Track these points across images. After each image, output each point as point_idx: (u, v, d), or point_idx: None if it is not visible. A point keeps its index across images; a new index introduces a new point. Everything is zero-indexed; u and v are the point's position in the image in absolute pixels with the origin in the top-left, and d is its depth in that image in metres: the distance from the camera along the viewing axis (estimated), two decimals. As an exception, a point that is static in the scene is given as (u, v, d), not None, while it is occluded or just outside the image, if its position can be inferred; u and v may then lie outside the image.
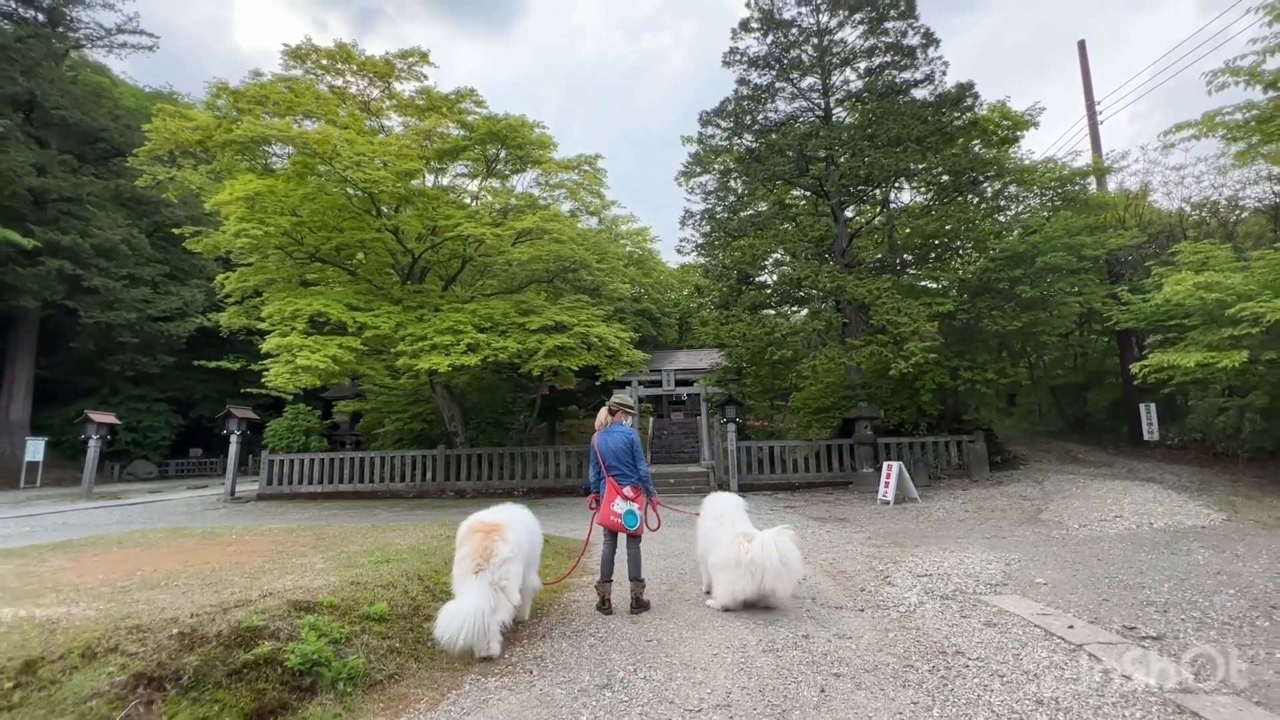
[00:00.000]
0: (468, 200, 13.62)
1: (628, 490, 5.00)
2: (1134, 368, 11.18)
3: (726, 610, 4.91)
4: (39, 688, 2.74)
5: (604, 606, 4.98)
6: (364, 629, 3.78)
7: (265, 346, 11.05)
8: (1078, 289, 13.80)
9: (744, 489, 15.21)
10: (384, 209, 12.61)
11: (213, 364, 23.31)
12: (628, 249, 27.34)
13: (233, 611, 3.50)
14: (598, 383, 16.20)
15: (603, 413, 5.28)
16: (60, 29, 28.54)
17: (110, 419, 19.74)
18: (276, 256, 14.40)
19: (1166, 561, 6.27)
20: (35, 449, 23.75)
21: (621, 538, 5.08)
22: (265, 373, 11.02)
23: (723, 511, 5.29)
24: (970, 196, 14.42)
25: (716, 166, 18.41)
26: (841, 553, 7.49)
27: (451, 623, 3.67)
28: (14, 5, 27.07)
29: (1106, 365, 22.72)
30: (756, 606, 5.02)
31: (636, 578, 5.00)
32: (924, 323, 12.63)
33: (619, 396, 5.49)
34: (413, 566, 5.08)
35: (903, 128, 13.75)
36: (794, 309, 19.86)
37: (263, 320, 11.72)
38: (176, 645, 3.07)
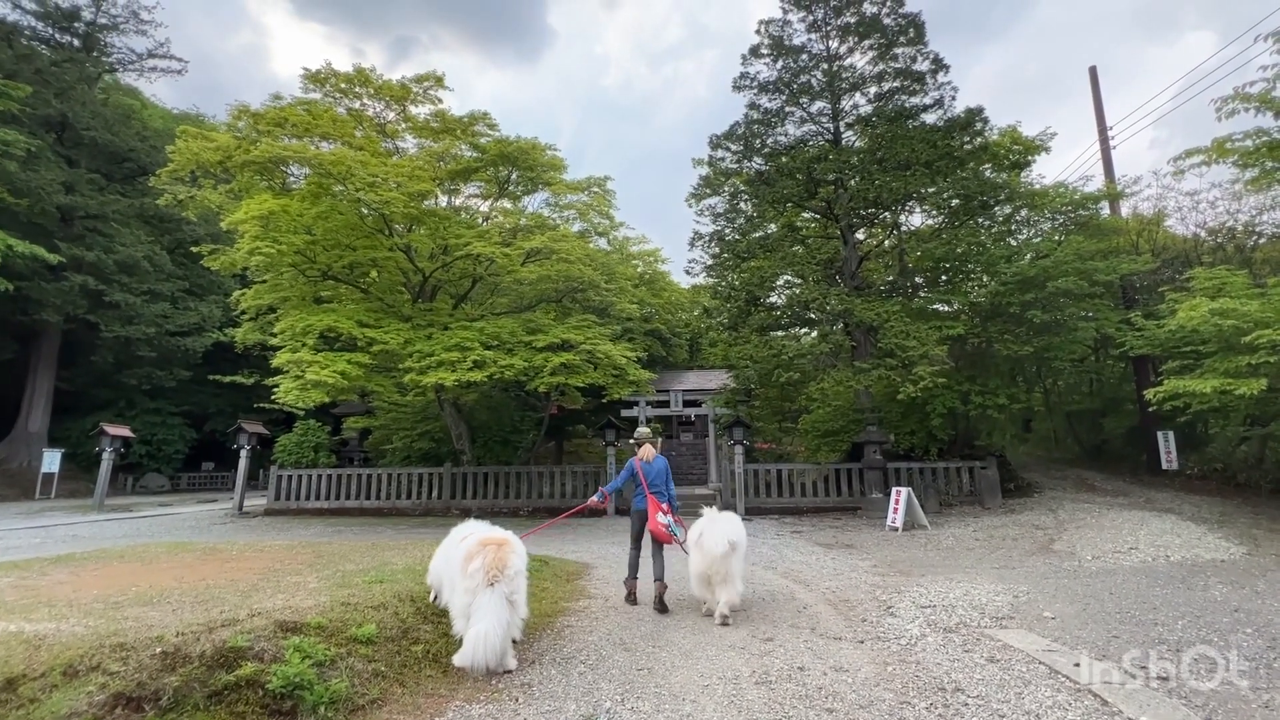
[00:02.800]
0: (479, 221, 13.80)
1: (664, 506, 5.93)
2: (1149, 394, 10.96)
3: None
4: (18, 705, 2.73)
5: (630, 598, 6.05)
6: (350, 651, 3.74)
7: (276, 361, 11.17)
8: (1091, 314, 13.62)
9: (751, 512, 15.02)
10: (396, 228, 12.81)
11: (227, 379, 23.67)
12: (639, 269, 27.54)
13: (218, 631, 3.48)
14: (604, 400, 16.17)
15: (646, 447, 6.26)
16: (95, 53, 29.68)
17: (124, 432, 20.01)
18: (290, 274, 14.67)
19: (1182, 597, 6.06)
20: (51, 460, 24.07)
21: (648, 543, 6.06)
22: (276, 388, 11.13)
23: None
24: (981, 220, 14.35)
25: (726, 189, 18.53)
26: (845, 581, 7.33)
27: (479, 649, 3.79)
28: (52, 31, 28.22)
29: (1123, 391, 22.32)
30: (755, 634, 4.92)
31: (661, 578, 5.90)
32: (933, 346, 12.51)
33: (644, 431, 6.51)
34: (405, 587, 5.04)
35: (911, 152, 13.78)
36: (803, 331, 19.80)
37: (275, 336, 11.87)
38: (158, 665, 3.06)
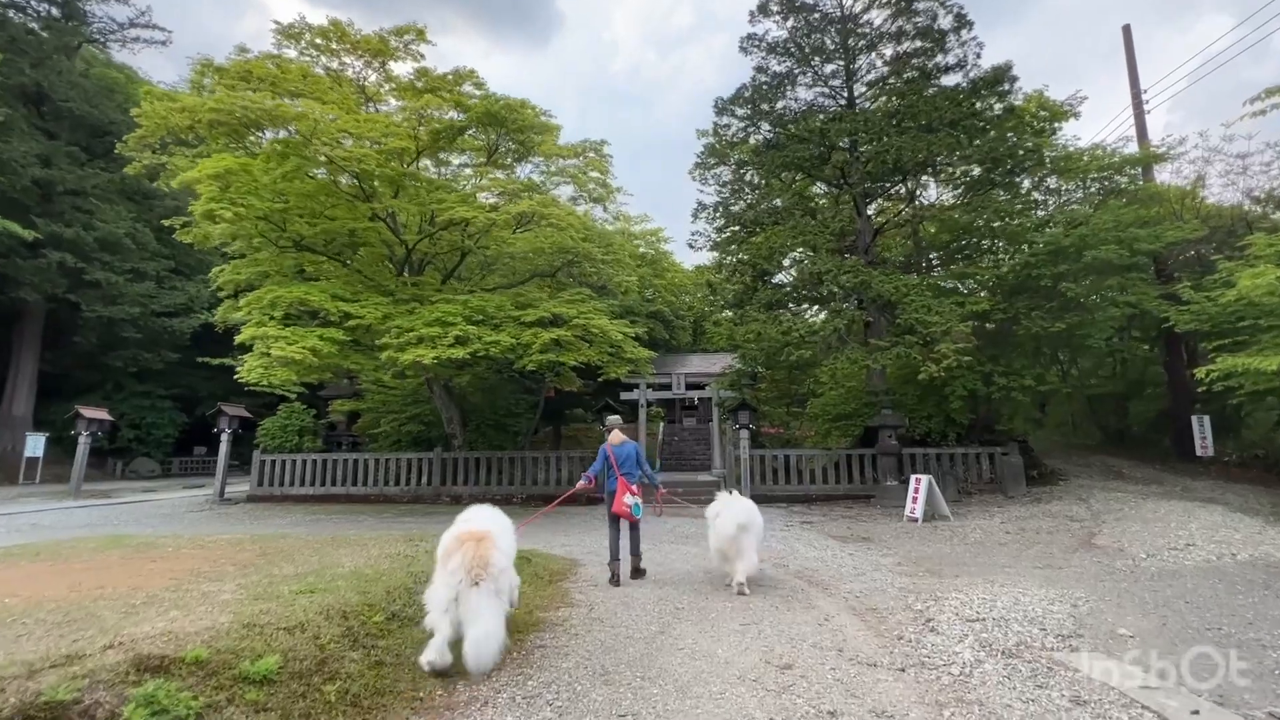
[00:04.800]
0: (465, 187, 12.73)
1: (634, 487, 6.35)
2: (1199, 372, 9.92)
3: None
4: None
5: (614, 580, 6.20)
6: (233, 697, 2.81)
7: (240, 338, 10.25)
8: (1125, 290, 12.51)
9: (757, 500, 13.91)
10: (376, 194, 11.73)
11: (215, 361, 22.76)
12: (640, 249, 26.40)
13: (44, 674, 2.55)
14: (599, 378, 15.19)
15: (615, 433, 6.68)
16: (73, 23, 28.43)
17: (103, 415, 19.18)
18: (263, 245, 13.69)
19: (1277, 608, 5.10)
20: (35, 445, 23.28)
21: (624, 523, 6.39)
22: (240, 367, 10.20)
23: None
24: (1007, 189, 13.19)
25: (732, 159, 17.38)
26: (869, 583, 6.40)
27: (482, 652, 3.48)
28: (26, -2, 26.96)
29: (1149, 374, 21.22)
30: (770, 657, 3.99)
31: (636, 553, 6.44)
32: (956, 322, 11.47)
33: (614, 419, 7.03)
34: (342, 599, 4.12)
35: (935, 110, 12.63)
36: (812, 309, 18.75)
37: (241, 309, 10.94)
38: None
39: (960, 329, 11.29)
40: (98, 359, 26.88)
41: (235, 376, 10.84)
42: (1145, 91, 17.45)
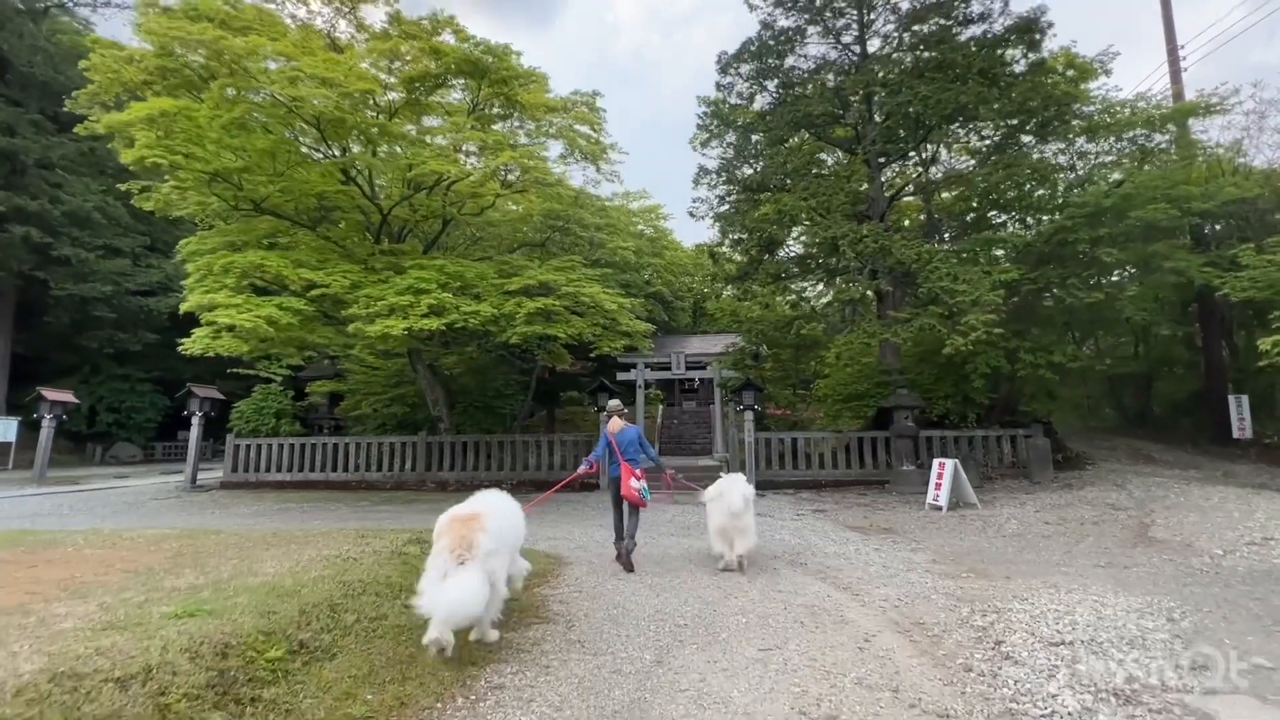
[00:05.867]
0: (443, 141, 11.49)
1: (638, 471, 6.17)
2: (1264, 343, 8.83)
3: None
4: None
5: (620, 559, 6.20)
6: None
7: (184, 306, 9.16)
8: (1168, 256, 11.37)
9: (763, 487, 13.13)
10: (339, 146, 10.47)
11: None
12: (639, 227, 25.13)
13: None
14: (592, 355, 14.09)
15: (615, 419, 6.54)
16: (38, -15, 26.90)
17: (66, 397, 18.12)
18: (231, 216, 12.51)
19: None
20: (7, 429, 22.25)
21: (626, 506, 6.27)
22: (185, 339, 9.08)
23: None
24: (1041, 142, 12.00)
25: (738, 123, 16.09)
26: (906, 586, 5.37)
27: (454, 606, 3.37)
28: (-14, -44, 25.43)
29: (1173, 353, 20.17)
30: (804, 705, 2.96)
31: (632, 536, 6.23)
32: (986, 291, 10.36)
33: (615, 404, 6.91)
34: (232, 625, 3.07)
35: (964, 57, 11.41)
36: (818, 286, 17.62)
37: (189, 276, 9.83)
38: None
39: (990, 297, 10.18)
40: (72, 340, 25.73)
41: (179, 348, 9.72)
42: (1183, 47, 16.19)
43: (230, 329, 8.53)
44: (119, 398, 27.52)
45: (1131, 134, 13.06)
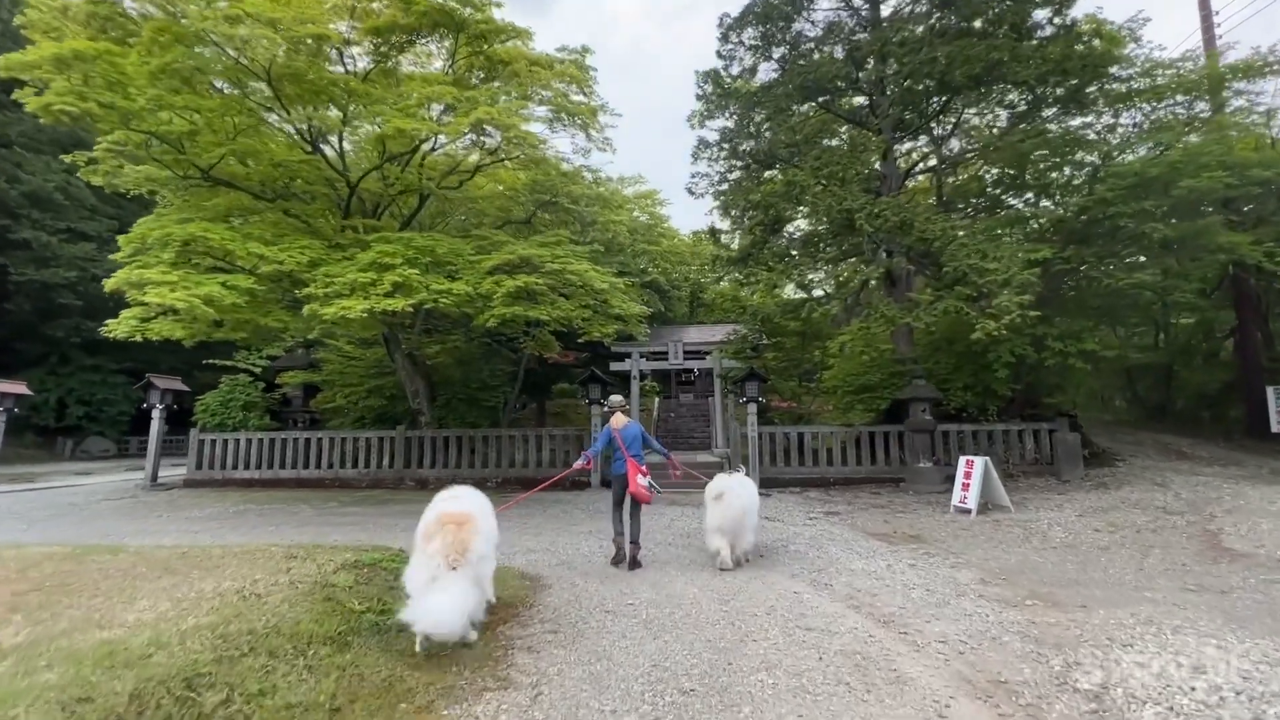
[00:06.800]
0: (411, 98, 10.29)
1: (643, 468, 6.00)
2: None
3: None
4: None
5: (618, 558, 6.07)
6: None
7: (109, 284, 8.01)
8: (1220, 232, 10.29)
9: (767, 484, 12.11)
10: (291, 99, 9.23)
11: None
12: (634, 214, 23.94)
13: None
14: (580, 340, 12.97)
15: (618, 415, 6.37)
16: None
17: (18, 389, 16.78)
18: (188, 193, 11.31)
19: None
20: (-39, 423, 20.94)
21: (627, 503, 6.11)
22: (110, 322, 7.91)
23: None
24: (1078, 107, 10.91)
25: (739, 94, 14.91)
26: (964, 621, 4.31)
27: (440, 616, 3.35)
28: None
29: (1195, 344, 19.22)
30: None
31: (636, 541, 6.09)
32: (1020, 269, 9.29)
33: (617, 399, 6.81)
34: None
35: (992, 12, 10.29)
36: (827, 266, 16.52)
37: (121, 251, 8.66)
38: None
39: (1024, 276, 9.11)
40: (37, 329, 24.44)
41: (103, 332, 8.56)
42: (1217, 14, 15.09)
43: (167, 311, 7.38)
44: (90, 390, 26.29)
45: (1170, 101, 11.96)
